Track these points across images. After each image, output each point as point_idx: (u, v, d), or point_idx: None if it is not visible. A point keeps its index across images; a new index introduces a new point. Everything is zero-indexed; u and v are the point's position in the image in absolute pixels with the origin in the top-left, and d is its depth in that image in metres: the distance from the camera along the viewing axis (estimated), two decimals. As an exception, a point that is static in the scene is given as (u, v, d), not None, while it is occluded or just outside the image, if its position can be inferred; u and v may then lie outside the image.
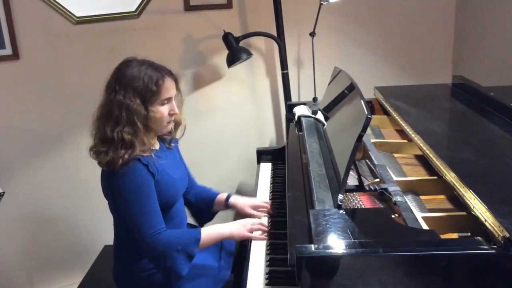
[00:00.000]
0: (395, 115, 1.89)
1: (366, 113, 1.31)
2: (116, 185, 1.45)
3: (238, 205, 1.77)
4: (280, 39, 2.59)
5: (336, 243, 1.13)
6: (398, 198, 1.38)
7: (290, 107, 2.33)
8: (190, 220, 1.82)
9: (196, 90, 2.68)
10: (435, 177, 1.51)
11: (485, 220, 1.14)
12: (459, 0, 2.82)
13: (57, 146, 2.43)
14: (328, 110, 1.97)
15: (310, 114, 2.10)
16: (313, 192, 1.40)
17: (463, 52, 2.84)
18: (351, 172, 1.51)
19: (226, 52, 2.46)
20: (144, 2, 2.45)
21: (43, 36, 2.30)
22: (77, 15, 2.33)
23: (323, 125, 1.95)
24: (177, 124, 1.65)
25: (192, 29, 2.59)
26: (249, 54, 2.45)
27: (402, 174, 1.60)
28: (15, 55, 2.23)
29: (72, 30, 2.34)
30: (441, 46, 2.90)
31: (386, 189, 1.44)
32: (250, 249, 1.56)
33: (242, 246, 1.74)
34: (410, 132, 1.69)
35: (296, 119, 2.13)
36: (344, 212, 1.27)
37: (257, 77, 2.79)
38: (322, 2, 2.35)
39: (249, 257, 1.52)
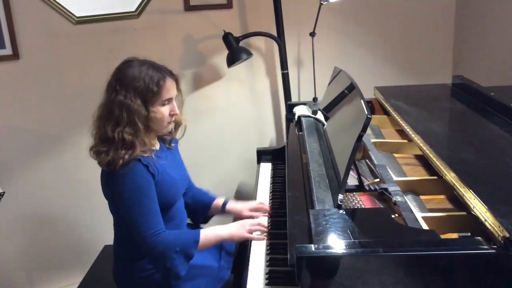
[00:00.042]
0: (395, 115, 1.89)
1: (366, 113, 1.31)
2: (116, 186, 1.45)
3: (235, 211, 1.77)
4: (280, 39, 2.59)
5: (336, 243, 1.13)
6: (398, 198, 1.38)
7: (290, 107, 2.33)
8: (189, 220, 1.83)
9: (196, 90, 2.68)
10: (435, 177, 1.51)
11: (485, 220, 1.14)
12: (459, 0, 2.82)
13: (57, 146, 2.43)
14: (328, 110, 1.97)
15: (310, 114, 2.10)
16: (313, 192, 1.40)
17: (463, 52, 2.84)
18: (351, 172, 1.51)
19: (226, 52, 2.46)
20: (144, 2, 2.45)
21: (43, 36, 2.30)
22: (77, 15, 2.33)
23: (323, 125, 1.95)
24: (177, 125, 1.65)
25: (192, 29, 2.59)
26: (249, 54, 2.45)
27: (402, 174, 1.60)
28: (15, 55, 2.23)
29: (72, 30, 2.34)
30: (441, 46, 2.90)
31: (386, 189, 1.44)
32: (250, 249, 1.56)
33: (242, 246, 1.74)
34: (410, 132, 1.69)
35: (296, 119, 2.13)
36: (344, 212, 1.27)
37: (257, 77, 2.79)
38: (322, 2, 2.35)
39: (249, 257, 1.52)
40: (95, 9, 2.37)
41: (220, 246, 1.72)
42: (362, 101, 1.43)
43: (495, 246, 1.08)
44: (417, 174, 1.61)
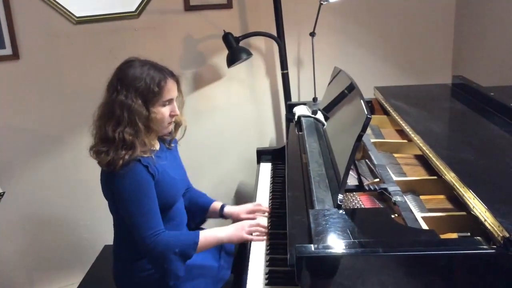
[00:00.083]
0: (395, 115, 1.89)
1: (366, 113, 1.31)
2: (116, 186, 1.45)
3: (233, 214, 1.77)
4: (280, 39, 2.59)
5: (336, 243, 1.13)
6: (397, 198, 1.38)
7: (290, 107, 2.33)
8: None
9: (196, 90, 2.68)
10: (435, 177, 1.51)
11: (485, 220, 1.14)
12: (459, 0, 2.82)
13: (57, 146, 2.43)
14: (328, 110, 1.97)
15: (310, 114, 2.10)
16: (313, 192, 1.40)
17: (463, 52, 2.84)
18: (351, 172, 1.51)
19: (226, 52, 2.46)
20: (144, 2, 2.46)
21: (43, 36, 2.30)
22: (77, 15, 2.33)
23: (323, 125, 1.95)
24: (177, 125, 1.65)
25: (192, 29, 2.59)
26: (249, 54, 2.45)
27: (402, 174, 1.60)
28: (15, 55, 2.23)
29: (72, 30, 2.35)
30: (441, 46, 2.90)
31: (386, 189, 1.45)
32: (250, 249, 1.57)
33: (242, 246, 1.75)
34: (410, 132, 1.69)
35: (296, 119, 2.13)
36: (344, 212, 1.27)
37: (257, 77, 2.79)
38: (322, 2, 2.35)
39: (249, 257, 1.52)
40: (95, 9, 2.37)
41: (220, 246, 1.71)
42: (362, 101, 1.43)
43: (495, 246, 1.08)
44: (417, 174, 1.61)
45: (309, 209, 1.31)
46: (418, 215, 1.35)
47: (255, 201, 1.87)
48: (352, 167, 1.49)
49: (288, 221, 1.40)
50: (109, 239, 1.69)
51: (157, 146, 1.60)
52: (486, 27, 2.61)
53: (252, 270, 1.46)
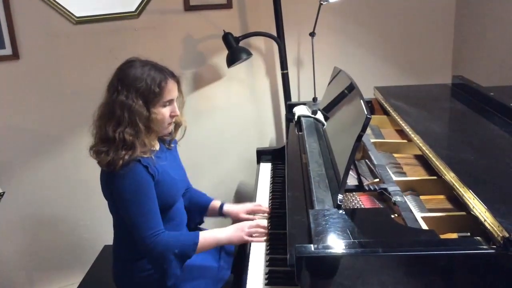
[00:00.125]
0: (394, 115, 1.89)
1: (366, 113, 1.31)
2: (116, 186, 1.45)
3: (232, 213, 1.77)
4: (280, 39, 2.59)
5: (336, 243, 1.13)
6: (397, 198, 1.38)
7: (290, 107, 2.33)
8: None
9: (196, 90, 2.68)
10: (435, 177, 1.51)
11: (485, 220, 1.14)
12: (459, 0, 2.82)
13: (57, 146, 2.43)
14: (328, 110, 1.97)
15: (310, 114, 2.10)
16: (312, 192, 1.40)
17: (463, 52, 2.84)
18: (350, 172, 1.52)
19: (226, 52, 2.46)
20: (144, 2, 2.46)
21: (43, 36, 2.30)
22: (77, 15, 2.33)
23: (323, 125, 1.95)
24: (177, 125, 1.65)
25: (192, 29, 2.59)
26: (249, 54, 2.45)
27: (401, 174, 1.60)
28: (15, 55, 2.23)
29: (72, 30, 2.35)
30: (441, 46, 2.90)
31: (385, 189, 1.45)
32: (249, 249, 1.57)
33: (242, 246, 1.74)
34: (410, 132, 1.69)
35: (296, 119, 2.13)
36: (344, 212, 1.27)
37: (257, 77, 2.79)
38: (322, 2, 2.35)
39: (248, 257, 1.53)
40: (95, 9, 2.37)
41: (219, 247, 1.71)
42: (361, 101, 1.43)
43: (495, 246, 1.08)
44: (417, 174, 1.61)
45: (309, 209, 1.31)
46: (418, 215, 1.35)
47: (255, 201, 1.87)
48: (352, 167, 1.49)
49: (288, 221, 1.40)
50: (109, 239, 1.69)
51: (157, 146, 1.60)
52: (486, 27, 2.61)
53: (252, 270, 1.46)
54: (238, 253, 1.78)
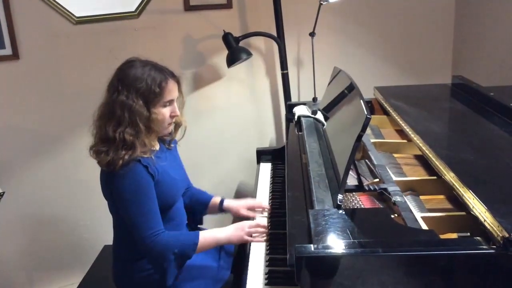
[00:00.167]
0: (394, 115, 1.89)
1: (366, 113, 1.31)
2: (115, 186, 1.45)
3: (233, 209, 1.77)
4: (280, 39, 2.59)
5: (336, 243, 1.13)
6: (397, 198, 1.38)
7: (290, 107, 2.33)
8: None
9: (196, 90, 2.68)
10: (435, 177, 1.51)
11: (484, 220, 1.14)
12: (459, 0, 2.82)
13: (57, 146, 2.44)
14: (327, 110, 1.97)
15: (309, 114, 2.10)
16: (312, 192, 1.40)
17: (463, 52, 2.84)
18: (350, 172, 1.51)
19: (226, 52, 2.46)
20: (144, 2, 2.46)
21: (43, 36, 2.30)
22: (77, 15, 2.33)
23: (323, 125, 1.95)
24: (177, 126, 1.65)
25: (192, 29, 2.59)
26: (249, 54, 2.45)
27: (401, 174, 1.60)
28: (15, 55, 2.23)
29: (72, 30, 2.35)
30: (441, 46, 2.90)
31: (385, 189, 1.45)
32: (249, 249, 1.57)
33: (242, 246, 1.74)
34: (410, 132, 1.69)
35: (296, 119, 2.13)
36: (344, 212, 1.27)
37: (257, 77, 2.79)
38: (322, 2, 2.35)
39: (248, 257, 1.53)
40: (95, 9, 2.37)
41: (219, 246, 1.71)
42: (361, 101, 1.43)
43: (494, 246, 1.08)
44: (417, 174, 1.61)
45: (309, 209, 1.31)
46: (418, 215, 1.35)
47: (254, 210, 1.85)
48: (352, 167, 1.49)
49: (287, 221, 1.40)
50: (109, 239, 1.69)
51: (157, 146, 1.60)
52: (486, 27, 2.61)
53: (252, 270, 1.46)
54: (238, 253, 1.78)
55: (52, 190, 2.45)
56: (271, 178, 2.06)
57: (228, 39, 2.44)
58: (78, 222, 2.55)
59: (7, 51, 2.21)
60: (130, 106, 1.44)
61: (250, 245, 1.58)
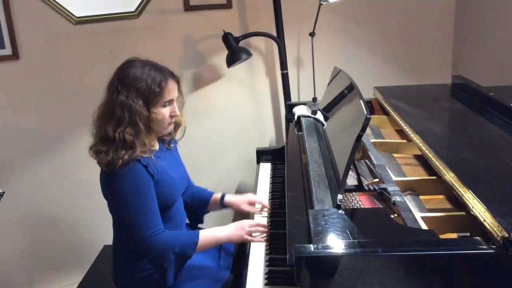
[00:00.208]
0: (394, 115, 1.89)
1: (366, 113, 1.31)
2: (115, 186, 1.45)
3: (234, 203, 1.77)
4: (279, 39, 2.59)
5: (335, 243, 1.13)
6: (397, 198, 1.38)
7: (289, 107, 2.33)
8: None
9: (196, 90, 2.68)
10: (434, 177, 1.51)
11: (484, 220, 1.14)
12: (459, 0, 2.83)
13: (57, 146, 2.44)
14: (327, 110, 1.97)
15: (309, 114, 2.10)
16: (312, 192, 1.40)
17: (463, 52, 2.84)
18: (350, 172, 1.51)
19: (225, 52, 2.46)
20: (144, 2, 2.46)
21: (43, 36, 2.30)
22: (77, 15, 2.33)
23: (323, 125, 1.95)
24: (177, 125, 1.65)
25: (191, 29, 2.59)
26: (249, 54, 2.45)
27: (401, 174, 1.60)
28: (15, 55, 2.24)
29: (72, 30, 2.35)
30: (441, 46, 2.90)
31: (385, 189, 1.45)
32: (249, 249, 1.57)
33: (242, 246, 1.75)
34: (410, 132, 1.69)
35: (295, 119, 2.13)
36: (343, 212, 1.27)
37: (256, 77, 2.79)
38: (321, 2, 2.35)
39: (248, 257, 1.53)
40: (95, 9, 2.37)
41: (219, 246, 1.72)
42: (361, 101, 1.43)
43: (494, 246, 1.08)
44: (417, 174, 1.61)
45: (309, 209, 1.31)
46: (418, 215, 1.35)
47: (254, 205, 1.85)
48: (351, 167, 1.49)
49: (287, 221, 1.40)
50: (109, 239, 1.69)
51: (156, 146, 1.60)
52: (486, 27, 2.61)
53: (252, 270, 1.46)
54: (238, 253, 1.78)
55: (52, 190, 2.45)
56: (271, 178, 2.06)
57: (228, 39, 2.44)
58: (78, 222, 2.55)
59: (7, 51, 2.21)
60: (130, 106, 1.44)
61: (250, 245, 1.58)
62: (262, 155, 2.27)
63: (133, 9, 2.45)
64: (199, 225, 1.85)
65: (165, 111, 1.51)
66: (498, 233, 1.08)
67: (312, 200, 1.37)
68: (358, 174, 1.53)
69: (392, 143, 1.84)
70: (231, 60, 2.44)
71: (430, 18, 2.85)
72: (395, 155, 1.76)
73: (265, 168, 2.18)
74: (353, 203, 1.46)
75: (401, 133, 1.92)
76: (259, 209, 1.77)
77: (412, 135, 1.66)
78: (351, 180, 1.54)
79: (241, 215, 1.75)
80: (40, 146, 2.40)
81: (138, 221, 1.44)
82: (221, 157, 2.83)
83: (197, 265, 1.58)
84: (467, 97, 2.01)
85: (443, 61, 2.92)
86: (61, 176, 2.46)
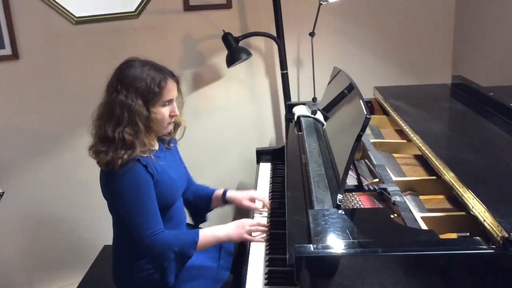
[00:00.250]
0: (394, 115, 1.89)
1: (365, 113, 1.31)
2: (115, 186, 1.45)
3: (235, 199, 1.78)
4: (279, 39, 2.59)
5: (335, 243, 1.13)
6: (397, 198, 1.38)
7: (289, 107, 2.33)
8: (189, 220, 1.83)
9: (195, 90, 2.68)
10: (434, 177, 1.51)
11: (484, 220, 1.14)
12: (459, 0, 2.82)
13: (57, 146, 2.44)
14: (327, 110, 1.97)
15: (309, 114, 2.10)
16: (312, 192, 1.40)
17: (463, 52, 2.84)
18: (350, 172, 1.51)
19: (225, 52, 2.46)
20: (143, 2, 2.46)
21: (43, 36, 2.30)
22: (77, 15, 2.33)
23: (323, 125, 1.95)
24: (176, 125, 1.65)
25: (191, 29, 2.59)
26: (249, 54, 2.45)
27: (401, 174, 1.60)
28: (15, 55, 2.24)
29: (72, 30, 2.35)
30: (441, 46, 2.90)
31: (385, 189, 1.45)
32: (249, 249, 1.57)
33: (242, 246, 1.75)
34: (409, 132, 1.69)
35: (295, 119, 2.13)
36: (343, 212, 1.27)
37: (256, 77, 2.79)
38: (321, 2, 2.34)
39: (248, 257, 1.53)
40: (95, 9, 2.37)
41: (219, 246, 1.72)
42: (361, 101, 1.43)
43: (494, 246, 1.08)
44: (416, 174, 1.61)
45: (309, 209, 1.31)
46: (418, 215, 1.35)
47: (255, 202, 1.86)
48: (351, 167, 1.49)
49: (287, 221, 1.40)
50: (109, 239, 1.69)
51: (156, 146, 1.60)
52: (486, 27, 2.61)
53: (252, 270, 1.46)
54: (238, 253, 1.78)
55: (52, 190, 2.45)
56: (270, 178, 2.06)
57: (227, 39, 2.44)
58: (78, 222, 2.55)
59: (7, 51, 2.22)
60: (129, 105, 1.44)
61: (249, 245, 1.58)
62: (262, 155, 2.26)
63: (133, 9, 2.45)
64: (200, 226, 1.84)
65: (165, 111, 1.51)
66: (498, 233, 1.08)
67: (312, 200, 1.37)
68: (358, 174, 1.53)
69: (392, 143, 1.84)
70: (231, 60, 2.44)
71: (430, 18, 2.85)
72: (395, 155, 1.76)
73: (265, 168, 2.18)
74: (353, 203, 1.46)
75: (401, 133, 1.91)
76: (260, 206, 1.77)
77: (412, 135, 1.66)
78: (351, 180, 1.54)
79: (241, 214, 1.75)
80: (40, 146, 2.40)
81: (138, 221, 1.44)
82: (221, 157, 2.83)
83: (197, 265, 1.58)
84: (467, 97, 2.01)
85: (443, 61, 2.92)
86: (61, 176, 2.46)
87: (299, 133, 2.01)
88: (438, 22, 2.86)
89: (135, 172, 1.43)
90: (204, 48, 2.64)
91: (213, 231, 1.55)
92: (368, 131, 1.92)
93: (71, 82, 2.40)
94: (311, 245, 1.11)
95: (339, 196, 1.32)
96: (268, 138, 2.91)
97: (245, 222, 1.57)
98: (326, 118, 1.96)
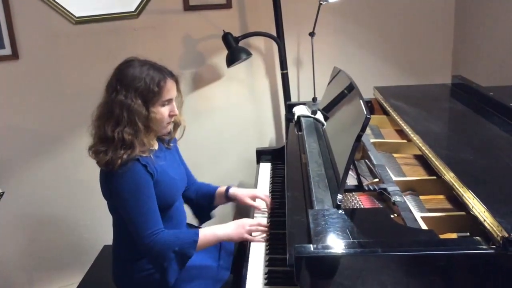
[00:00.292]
0: (394, 115, 1.89)
1: (365, 113, 1.31)
2: (114, 185, 1.45)
3: (238, 196, 1.78)
4: (279, 39, 2.59)
5: (335, 243, 1.13)
6: (397, 198, 1.38)
7: (289, 107, 2.33)
8: (190, 220, 1.82)
9: (195, 90, 2.68)
10: (434, 177, 1.51)
11: (484, 220, 1.14)
12: (459, 0, 2.82)
13: (57, 146, 2.44)
14: (327, 110, 1.97)
15: (309, 114, 2.10)
16: (312, 192, 1.40)
17: (463, 52, 2.84)
18: (350, 172, 1.51)
19: (225, 52, 2.46)
20: (143, 2, 2.46)
21: (43, 36, 2.30)
22: (77, 15, 2.33)
23: (323, 125, 1.95)
24: (176, 125, 1.65)
25: (191, 29, 2.59)
26: (249, 54, 2.45)
27: (401, 174, 1.60)
28: (15, 55, 2.24)
29: (72, 30, 2.35)
30: (441, 46, 2.90)
31: (385, 189, 1.44)
32: (249, 249, 1.57)
33: (242, 246, 1.74)
34: (410, 132, 1.69)
35: (295, 119, 2.13)
36: (343, 212, 1.27)
37: (256, 77, 2.79)
38: (321, 2, 2.34)
39: (248, 257, 1.52)
40: (94, 9, 2.37)
41: (219, 246, 1.72)
42: (361, 101, 1.43)
43: (494, 246, 1.08)
44: (416, 174, 1.61)
45: (309, 209, 1.31)
46: (418, 215, 1.35)
47: (255, 201, 1.86)
48: (351, 167, 1.49)
49: (287, 221, 1.40)
50: (109, 239, 1.69)
51: (156, 146, 1.60)
52: (486, 27, 2.61)
53: (252, 270, 1.46)
54: (238, 253, 1.78)
55: (52, 190, 2.45)
56: (270, 178, 2.06)
57: (227, 39, 2.44)
58: (78, 222, 2.54)
59: (7, 51, 2.22)
60: (128, 105, 1.44)
61: (249, 245, 1.58)
62: (262, 155, 2.26)
63: (133, 9, 2.45)
64: (200, 226, 1.84)
65: (164, 111, 1.51)
66: (498, 233, 1.08)
67: (312, 200, 1.37)
68: (358, 174, 1.53)
69: (392, 143, 1.84)
70: (231, 60, 2.44)
71: (430, 18, 2.85)
72: (395, 155, 1.76)
73: (265, 168, 2.18)
74: (353, 203, 1.46)
75: (401, 133, 1.91)
76: (262, 206, 1.77)
77: (412, 135, 1.66)
78: (351, 180, 1.54)
79: (241, 213, 1.75)
80: (40, 146, 2.40)
81: (138, 221, 1.44)
82: (221, 157, 2.83)
83: (197, 265, 1.58)
84: (467, 97, 2.01)
85: (443, 61, 2.92)
86: (61, 176, 2.46)
87: (299, 133, 2.01)
88: (438, 22, 2.86)
89: (135, 172, 1.43)
90: (204, 48, 2.64)
91: (213, 230, 1.55)
92: (368, 131, 1.92)
93: (71, 82, 2.40)
94: (311, 245, 1.11)
95: (339, 196, 1.31)
96: (268, 138, 2.91)
97: (245, 222, 1.58)
98: (326, 118, 1.96)
